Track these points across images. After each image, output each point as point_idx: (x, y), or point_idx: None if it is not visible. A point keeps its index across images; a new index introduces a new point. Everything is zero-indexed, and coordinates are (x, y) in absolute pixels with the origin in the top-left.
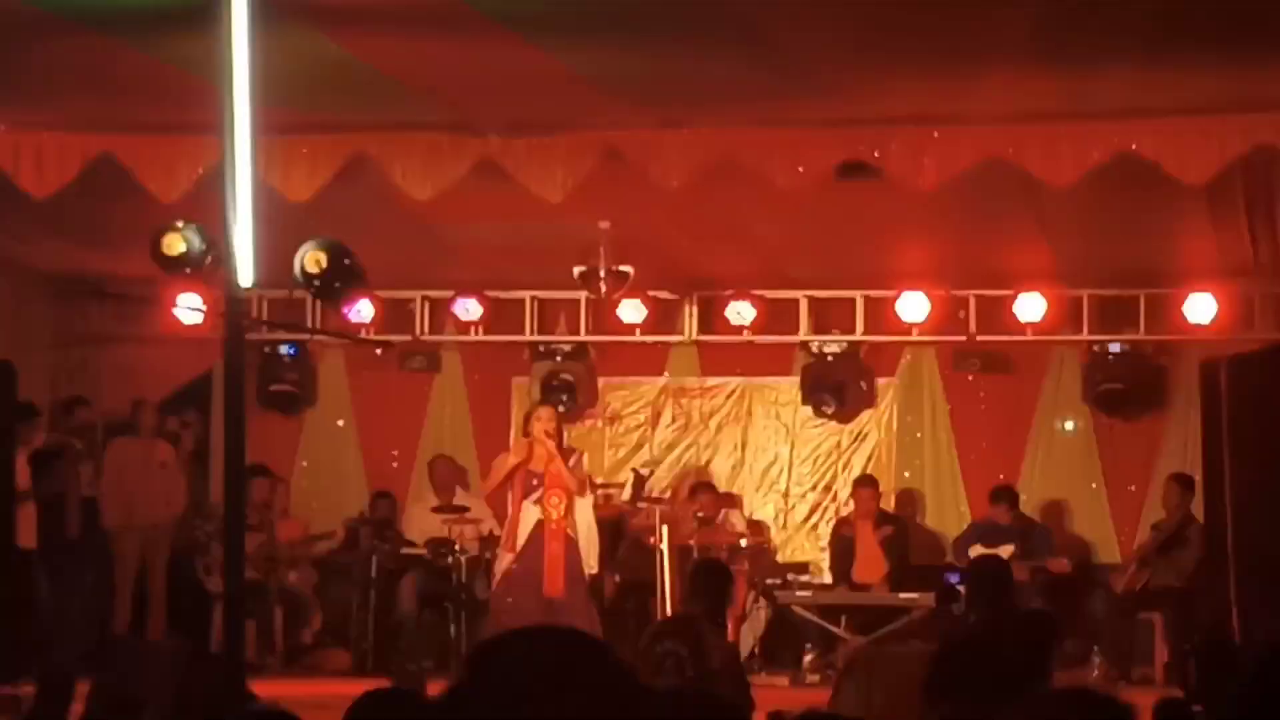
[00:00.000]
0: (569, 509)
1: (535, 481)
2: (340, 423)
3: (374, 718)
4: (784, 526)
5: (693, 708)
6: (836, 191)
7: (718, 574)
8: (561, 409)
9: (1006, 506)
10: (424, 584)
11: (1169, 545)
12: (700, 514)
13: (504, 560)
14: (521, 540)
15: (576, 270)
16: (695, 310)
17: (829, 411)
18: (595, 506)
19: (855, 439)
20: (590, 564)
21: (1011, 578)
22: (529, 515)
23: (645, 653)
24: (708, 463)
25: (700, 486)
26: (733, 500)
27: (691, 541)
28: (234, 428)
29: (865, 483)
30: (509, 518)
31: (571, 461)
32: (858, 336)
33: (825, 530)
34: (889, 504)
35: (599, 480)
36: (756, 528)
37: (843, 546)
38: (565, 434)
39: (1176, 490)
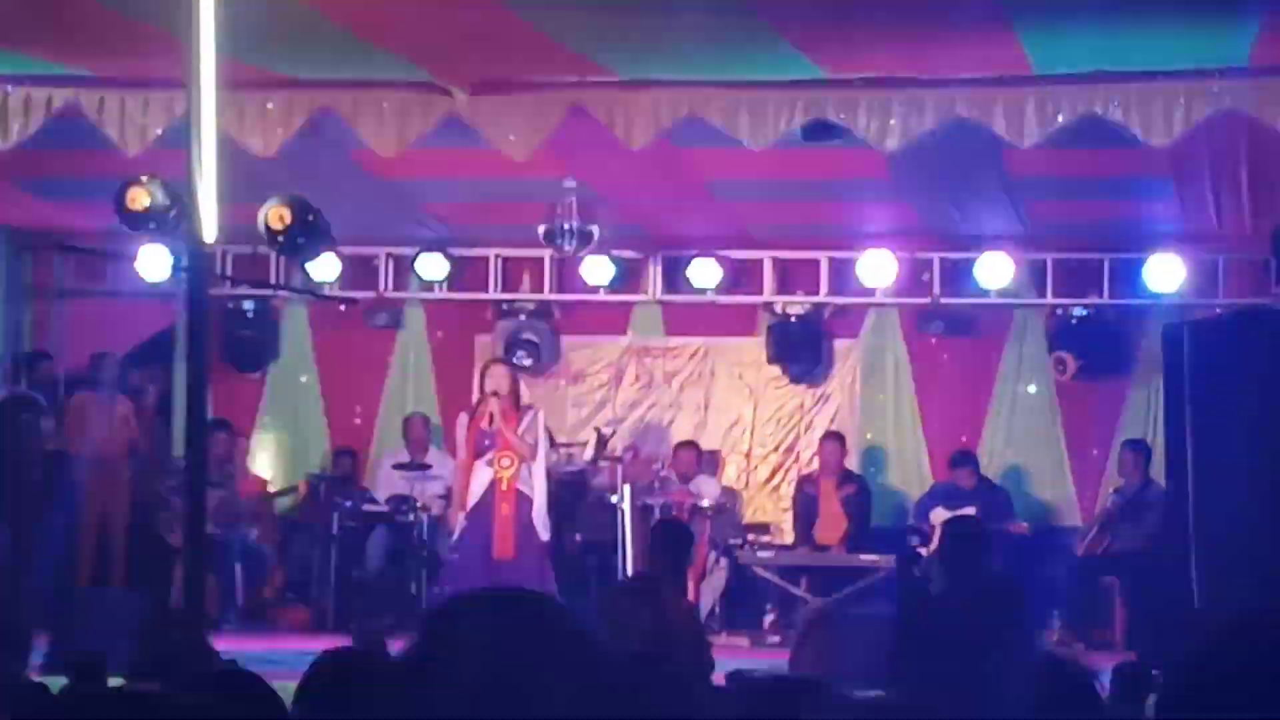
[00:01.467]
0: (519, 469)
1: (487, 442)
2: (303, 379)
3: (332, 678)
4: (746, 487)
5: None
6: (802, 152)
7: (677, 534)
8: (526, 366)
9: (969, 470)
10: (387, 541)
11: (1130, 510)
12: (665, 472)
13: (458, 520)
14: (473, 501)
15: (541, 228)
16: (659, 270)
17: (794, 372)
18: (552, 466)
19: (818, 400)
20: (540, 524)
21: (987, 541)
22: (481, 475)
23: (605, 613)
24: (670, 422)
25: (684, 444)
26: (715, 463)
27: (654, 501)
28: (196, 383)
29: (832, 437)
30: (459, 478)
31: (526, 420)
32: (822, 298)
33: (787, 491)
34: (853, 463)
35: (561, 439)
36: (724, 490)
37: (805, 504)
38: (525, 391)
39: (1130, 457)
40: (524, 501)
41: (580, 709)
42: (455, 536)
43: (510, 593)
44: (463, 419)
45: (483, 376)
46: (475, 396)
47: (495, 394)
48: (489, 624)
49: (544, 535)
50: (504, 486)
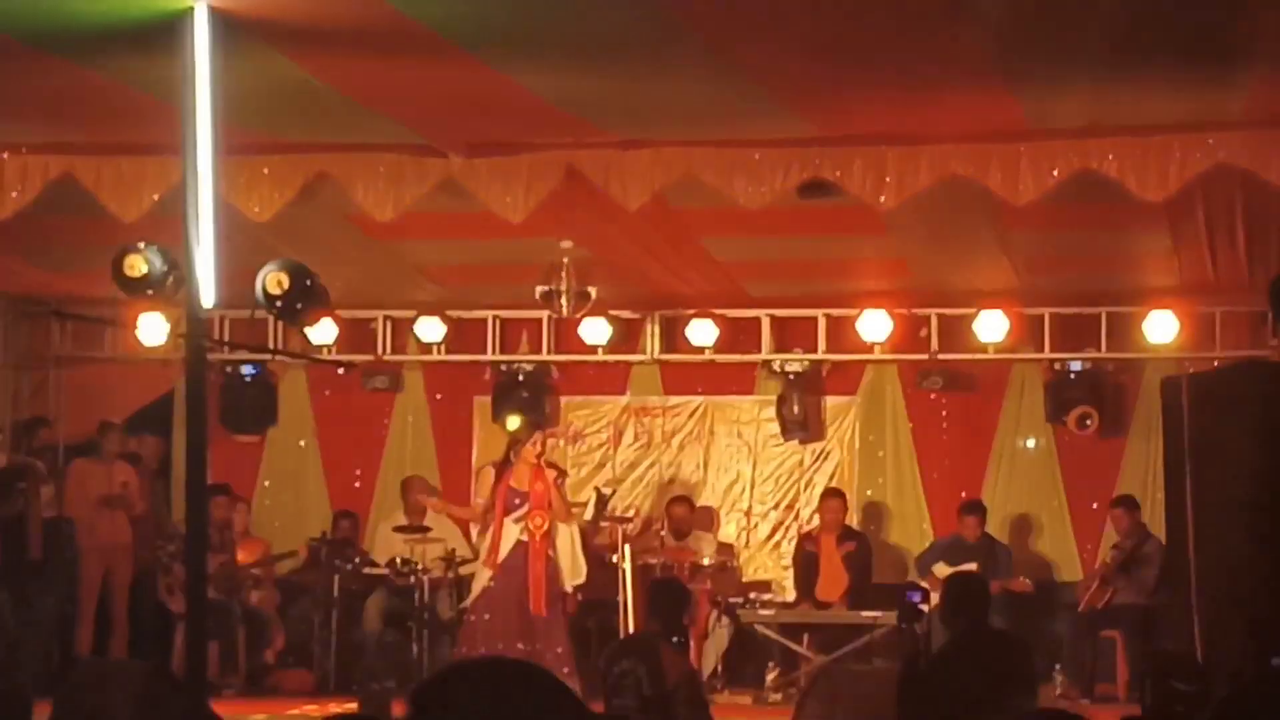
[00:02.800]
0: (552, 527)
1: (518, 501)
2: (302, 443)
3: None
4: (746, 545)
5: None
6: (798, 210)
7: (674, 592)
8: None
9: (976, 520)
10: (387, 604)
11: (1129, 564)
12: (664, 532)
13: (482, 577)
14: (502, 556)
15: (539, 290)
16: (657, 329)
17: (793, 434)
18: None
19: (818, 457)
20: (569, 584)
21: (987, 596)
22: (510, 533)
23: (604, 672)
24: (670, 480)
25: (677, 500)
26: (709, 518)
27: (654, 560)
28: (195, 448)
29: (833, 494)
30: (490, 535)
31: (552, 480)
32: (819, 355)
33: (788, 549)
34: (854, 519)
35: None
36: (720, 546)
37: (806, 561)
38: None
39: (1122, 514)
40: (551, 562)
41: None
42: (477, 594)
43: (502, 662)
44: (487, 472)
45: (519, 443)
46: (475, 457)
47: (545, 465)
48: (482, 693)
49: (568, 588)
50: (537, 545)
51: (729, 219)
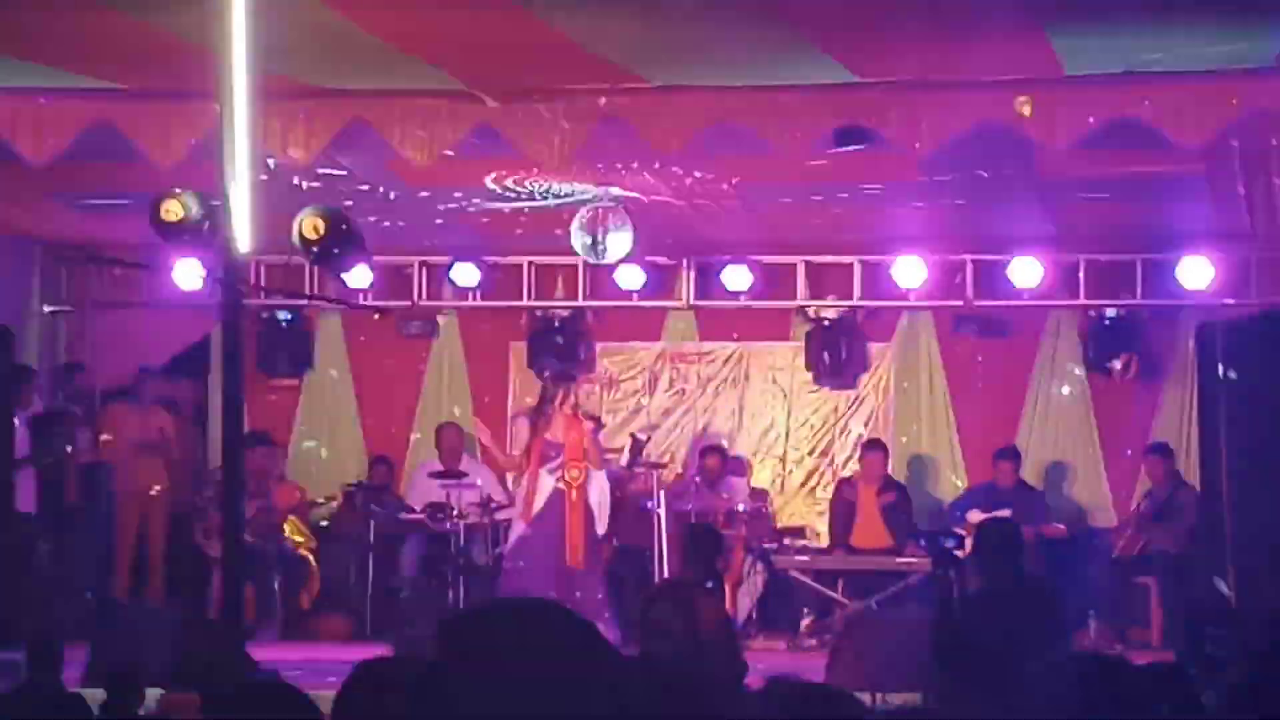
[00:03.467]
0: (587, 478)
1: (554, 453)
2: (339, 388)
3: (370, 687)
4: (781, 491)
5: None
6: (833, 156)
7: (708, 539)
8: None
9: (1011, 466)
10: (423, 549)
11: (1163, 512)
12: (699, 478)
13: (518, 527)
14: (538, 508)
15: (574, 235)
16: (692, 275)
17: (825, 379)
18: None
19: (852, 403)
20: (601, 532)
21: (1021, 542)
22: (545, 484)
23: (639, 618)
24: (705, 427)
25: (710, 449)
26: (741, 466)
27: (688, 506)
28: (231, 394)
29: (875, 446)
30: (525, 485)
31: (588, 430)
32: (855, 301)
33: (823, 495)
34: (898, 470)
35: None
36: (754, 492)
37: (843, 509)
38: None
39: (1156, 461)
40: (590, 513)
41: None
42: (513, 543)
43: (529, 603)
44: (522, 423)
45: (557, 395)
46: (511, 403)
47: (580, 417)
48: (508, 634)
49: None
50: (573, 496)
51: (765, 164)
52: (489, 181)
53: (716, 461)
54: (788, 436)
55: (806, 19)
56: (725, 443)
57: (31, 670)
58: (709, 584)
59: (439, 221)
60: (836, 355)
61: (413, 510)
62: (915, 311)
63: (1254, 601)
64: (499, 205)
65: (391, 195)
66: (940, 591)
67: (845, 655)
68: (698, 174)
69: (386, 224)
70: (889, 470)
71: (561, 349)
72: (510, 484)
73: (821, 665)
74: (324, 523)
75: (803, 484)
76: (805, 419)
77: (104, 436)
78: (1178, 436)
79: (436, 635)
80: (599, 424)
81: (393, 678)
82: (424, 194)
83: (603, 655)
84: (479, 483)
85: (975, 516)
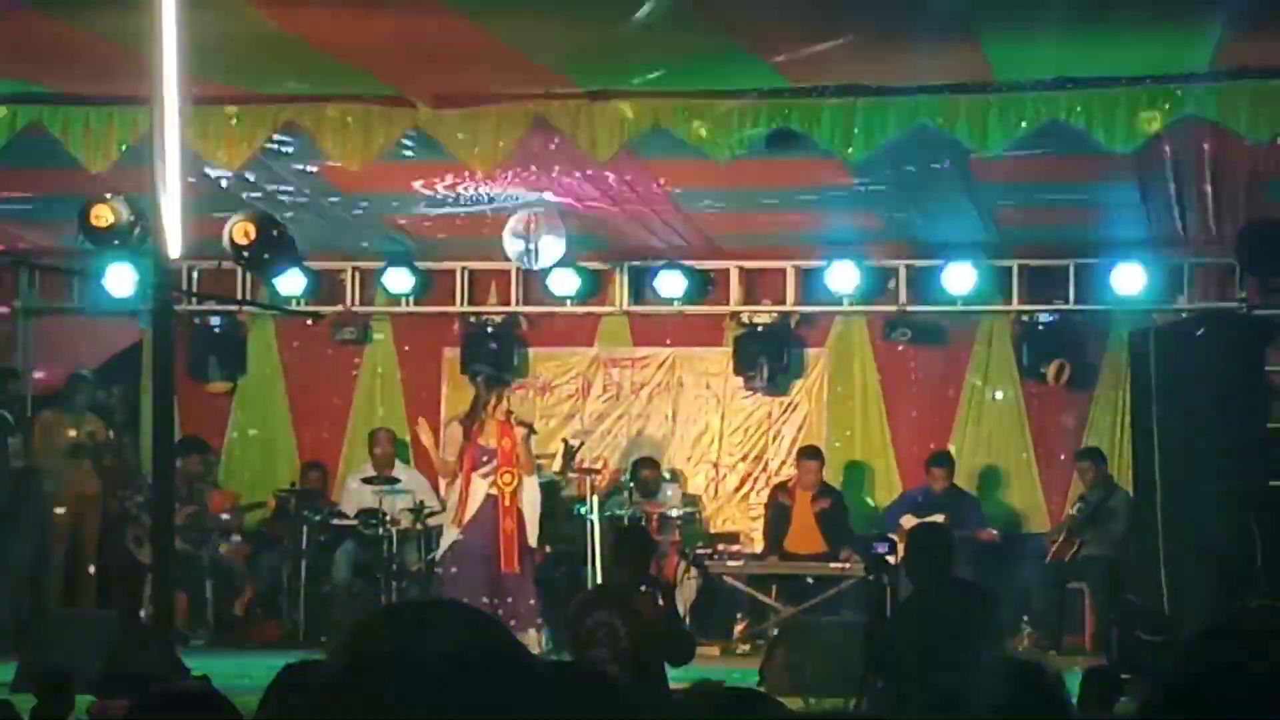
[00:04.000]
0: (520, 484)
1: (486, 458)
2: (271, 394)
3: (289, 690)
4: (715, 496)
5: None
6: (766, 162)
7: (639, 538)
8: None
9: (943, 472)
10: (356, 555)
11: (1096, 516)
12: (632, 485)
13: (450, 532)
14: (470, 513)
15: (507, 241)
16: (626, 281)
17: (758, 385)
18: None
19: (786, 409)
20: (533, 539)
21: (953, 547)
22: (478, 489)
23: (575, 623)
24: (639, 433)
25: (644, 461)
26: (676, 476)
27: (621, 512)
28: (162, 400)
29: (810, 454)
30: (458, 490)
31: (521, 435)
32: (788, 307)
33: (756, 500)
34: (832, 475)
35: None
36: (687, 498)
37: (778, 513)
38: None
39: (1088, 466)
40: (521, 518)
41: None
42: (445, 549)
43: (436, 604)
44: (455, 429)
45: (490, 401)
46: (443, 410)
47: (513, 423)
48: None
49: (532, 542)
50: (506, 502)
51: (698, 170)
52: (420, 186)
53: (652, 474)
54: (721, 442)
55: (741, 24)
56: (655, 449)
57: None
58: (643, 586)
59: (371, 227)
60: (770, 361)
61: (345, 516)
62: (849, 317)
63: (1187, 606)
64: (431, 211)
65: (324, 200)
66: (873, 597)
67: (779, 660)
68: (629, 179)
69: (319, 229)
70: (822, 476)
71: (495, 354)
72: (443, 490)
73: (755, 670)
74: (256, 528)
75: (736, 489)
76: (739, 424)
77: (35, 443)
78: (1110, 441)
79: (344, 637)
80: (531, 430)
81: (313, 681)
82: (356, 199)
83: (511, 657)
84: (411, 488)
85: (908, 522)
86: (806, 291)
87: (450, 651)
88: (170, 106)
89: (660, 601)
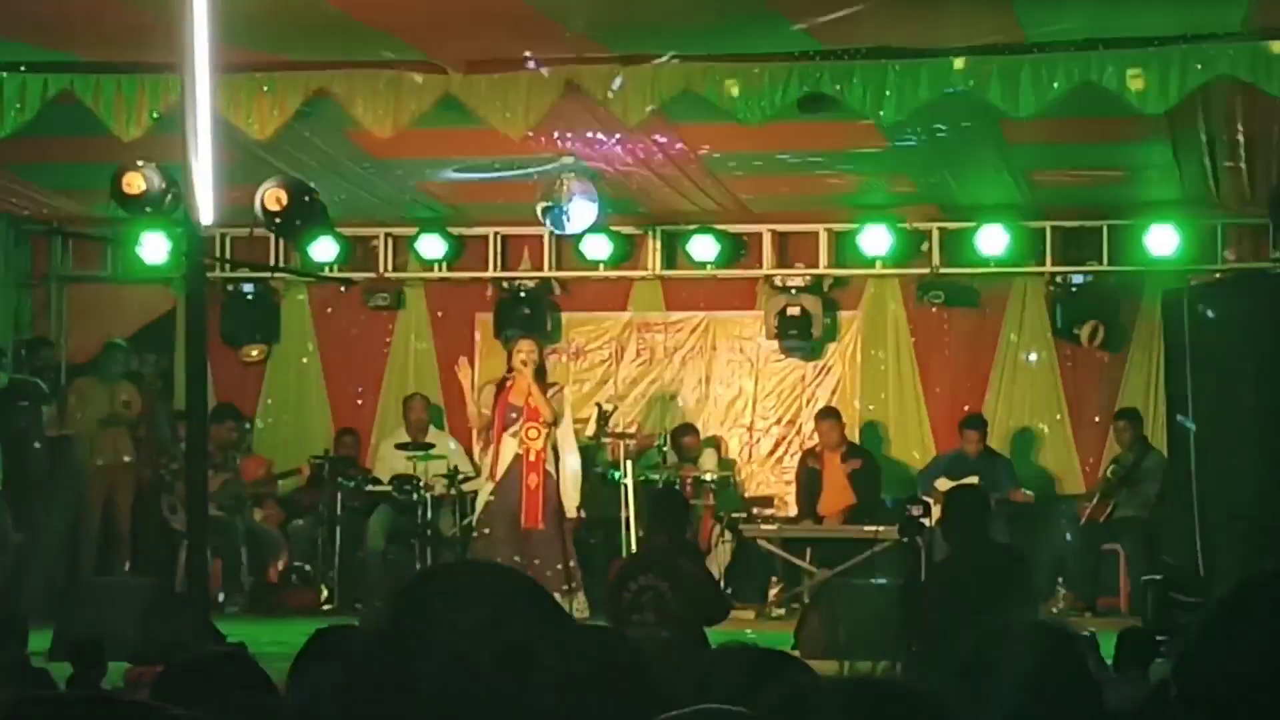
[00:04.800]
0: (546, 442)
1: (514, 415)
2: (304, 360)
3: (322, 654)
4: (749, 460)
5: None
6: (798, 125)
7: (674, 501)
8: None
9: (977, 435)
10: (390, 521)
11: (1130, 478)
12: (668, 449)
13: (484, 493)
14: (501, 472)
15: (539, 206)
16: (659, 245)
17: (795, 349)
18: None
19: (820, 372)
20: (570, 505)
21: (988, 510)
22: (508, 448)
23: (618, 589)
24: (673, 397)
25: (684, 428)
26: (715, 442)
27: (656, 476)
28: (195, 367)
29: (827, 414)
30: (491, 450)
31: (551, 392)
32: (821, 270)
33: (790, 464)
34: (856, 435)
35: None
36: (722, 462)
37: (809, 478)
38: (548, 369)
39: (1124, 426)
40: (550, 476)
41: (551, 681)
42: (480, 510)
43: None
44: (489, 390)
45: (510, 351)
46: (477, 373)
47: (525, 364)
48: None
49: (570, 511)
50: (531, 458)
51: (729, 134)
52: (452, 152)
53: (693, 440)
54: (755, 406)
55: None
56: (690, 413)
57: None
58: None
59: (401, 193)
60: (803, 324)
61: (379, 482)
62: (882, 280)
63: (1221, 567)
64: (463, 176)
65: (356, 166)
66: (908, 560)
67: (813, 624)
68: (661, 143)
69: (351, 195)
70: (850, 437)
71: (528, 319)
72: (476, 454)
73: (789, 634)
74: (290, 494)
75: (770, 453)
76: (772, 388)
77: (70, 411)
78: (1145, 403)
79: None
80: (560, 388)
81: (346, 645)
82: (388, 165)
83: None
84: (445, 454)
85: (943, 484)
86: (839, 255)
87: (485, 615)
88: (201, 74)
89: (697, 565)
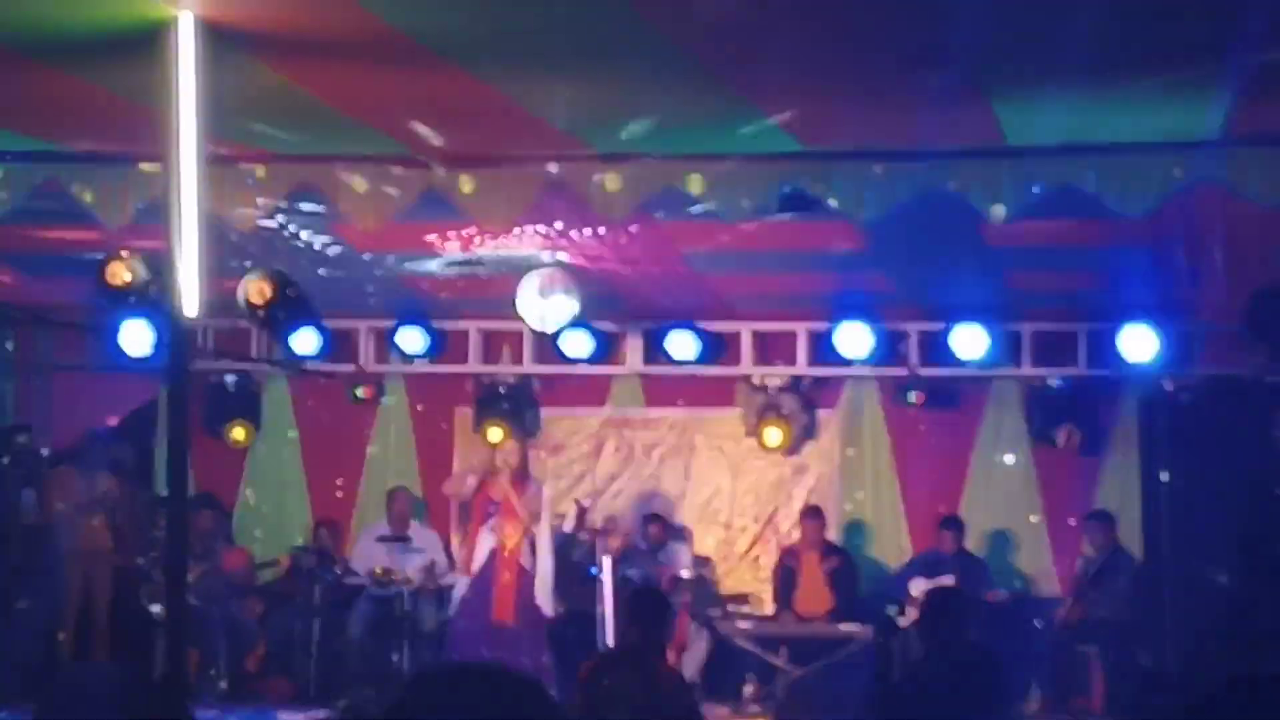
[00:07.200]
0: (523, 538)
1: (492, 509)
2: (285, 452)
3: None
4: (725, 557)
5: None
6: (779, 224)
7: (656, 602)
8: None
9: (953, 535)
10: (368, 613)
11: (1099, 577)
12: (645, 544)
13: (460, 586)
14: (477, 566)
15: (519, 301)
16: (639, 342)
17: (774, 445)
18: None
19: (798, 471)
20: (544, 599)
21: (965, 612)
22: (484, 542)
23: (589, 685)
24: (651, 493)
25: (651, 518)
26: (683, 533)
27: (632, 572)
28: (176, 457)
29: (812, 514)
30: (466, 544)
31: (531, 491)
32: (800, 369)
33: (766, 562)
34: (834, 534)
35: None
36: (698, 559)
37: (786, 575)
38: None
39: (1096, 527)
40: (524, 573)
41: None
42: (456, 603)
43: (489, 668)
44: (469, 479)
45: (492, 448)
46: (456, 467)
47: (505, 464)
48: (466, 697)
49: (545, 610)
50: (505, 554)
51: (710, 231)
52: (435, 246)
53: (659, 529)
54: (733, 503)
55: (753, 87)
56: (670, 508)
57: None
58: (656, 651)
59: (384, 286)
60: (782, 423)
61: (357, 574)
62: (860, 379)
63: (1196, 670)
64: (445, 270)
65: (338, 258)
66: (880, 660)
67: None
68: (642, 240)
69: (332, 287)
70: (830, 536)
71: (508, 414)
72: (455, 548)
73: None
74: (269, 585)
75: (747, 551)
76: (750, 485)
77: (50, 499)
78: (1120, 506)
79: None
80: (537, 486)
81: None
82: (370, 257)
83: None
84: (425, 547)
85: (919, 585)
86: (818, 353)
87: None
88: (187, 165)
89: (673, 669)
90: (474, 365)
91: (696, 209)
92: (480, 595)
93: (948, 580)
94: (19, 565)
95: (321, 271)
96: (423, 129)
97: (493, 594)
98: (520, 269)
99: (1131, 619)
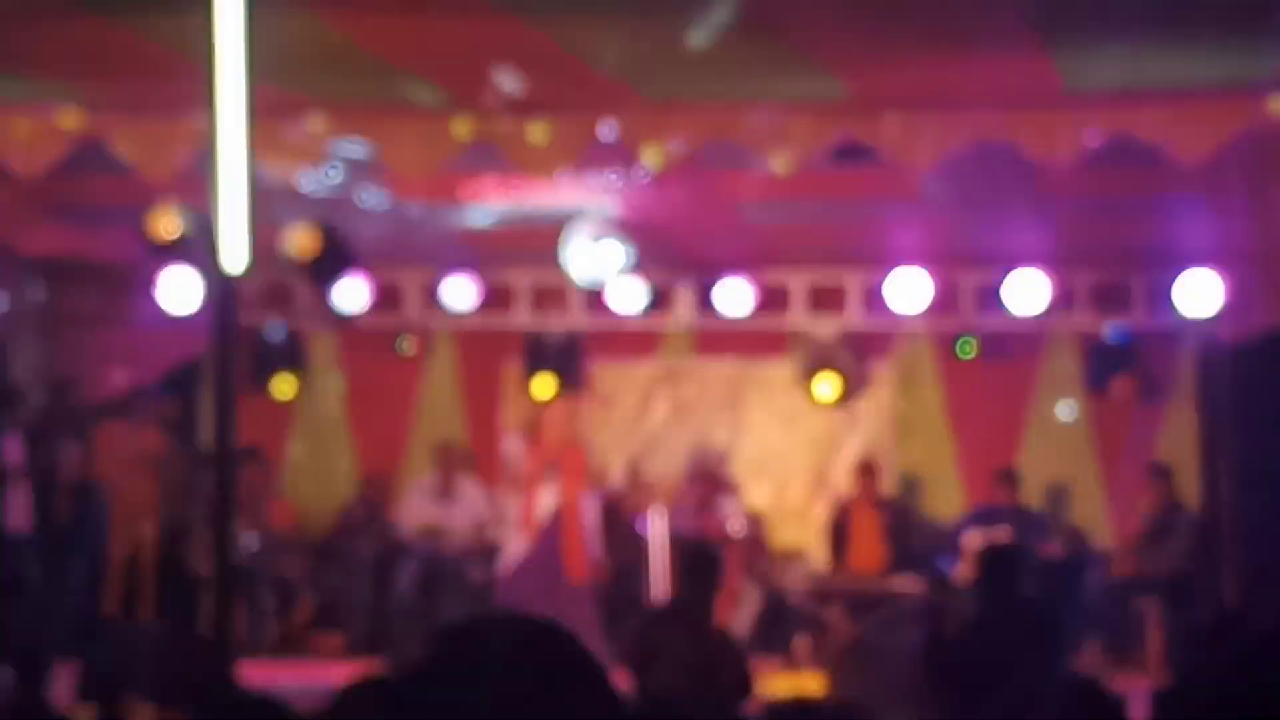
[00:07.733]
0: (579, 497)
1: (549, 469)
2: (332, 406)
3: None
4: (777, 512)
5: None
6: (832, 173)
7: (707, 558)
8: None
9: (1010, 488)
10: (416, 569)
11: (1157, 533)
12: (695, 499)
13: (515, 544)
14: (534, 524)
15: (567, 253)
16: (690, 293)
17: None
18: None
19: (849, 423)
20: (594, 559)
21: (1021, 566)
22: (544, 502)
23: (638, 640)
24: (701, 446)
25: (701, 472)
26: (732, 487)
27: (681, 529)
28: (223, 412)
29: (865, 469)
30: (525, 503)
31: (580, 447)
32: (853, 319)
33: (819, 516)
34: (887, 487)
35: None
36: (750, 514)
37: (839, 530)
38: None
39: (1153, 482)
40: (583, 530)
41: None
42: (508, 561)
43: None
44: (518, 442)
45: (544, 409)
46: (504, 420)
47: (557, 420)
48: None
49: (594, 567)
50: (570, 514)
51: (762, 181)
52: (484, 197)
53: (709, 484)
54: (784, 457)
55: (805, 36)
56: (720, 462)
57: (18, 687)
58: (708, 603)
59: (431, 238)
60: (834, 374)
61: (405, 529)
62: (914, 330)
63: (1254, 624)
64: (494, 222)
65: (387, 210)
66: (933, 615)
67: (840, 678)
68: (693, 189)
69: (380, 239)
70: (885, 491)
71: (557, 368)
72: (505, 503)
73: (816, 687)
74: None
75: (799, 505)
76: (802, 438)
77: (96, 454)
78: (1179, 457)
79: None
80: (583, 444)
81: (380, 691)
82: (417, 209)
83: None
84: (473, 502)
85: (973, 538)
86: (872, 304)
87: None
88: (232, 116)
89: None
90: (522, 317)
91: (748, 158)
92: (543, 554)
93: (1003, 533)
94: (67, 521)
95: (368, 223)
96: (476, 79)
97: (557, 553)
98: (569, 220)
99: (1190, 573)
